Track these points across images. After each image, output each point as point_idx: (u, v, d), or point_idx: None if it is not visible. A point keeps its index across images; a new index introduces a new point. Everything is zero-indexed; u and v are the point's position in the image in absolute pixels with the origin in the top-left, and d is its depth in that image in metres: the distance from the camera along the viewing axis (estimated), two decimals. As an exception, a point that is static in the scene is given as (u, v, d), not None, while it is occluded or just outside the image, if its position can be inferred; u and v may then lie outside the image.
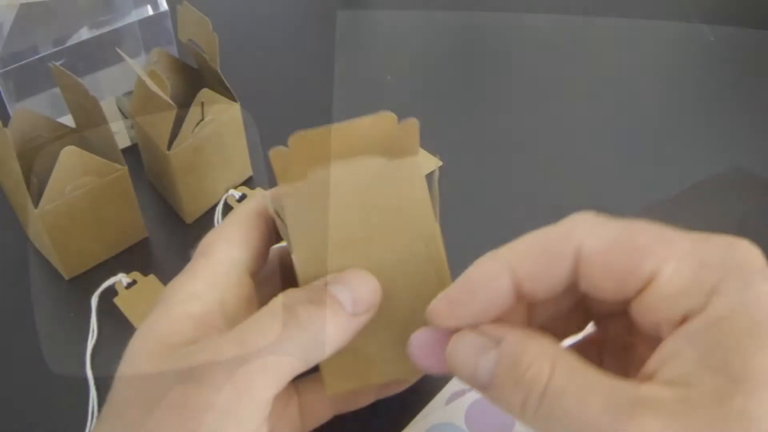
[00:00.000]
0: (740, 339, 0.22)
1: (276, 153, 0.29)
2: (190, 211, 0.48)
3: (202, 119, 0.44)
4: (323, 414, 0.34)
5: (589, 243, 0.25)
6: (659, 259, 0.24)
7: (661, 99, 0.58)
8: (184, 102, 0.44)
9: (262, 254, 0.32)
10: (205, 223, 0.48)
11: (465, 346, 0.26)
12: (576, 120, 0.56)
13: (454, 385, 0.38)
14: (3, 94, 0.47)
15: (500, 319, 0.26)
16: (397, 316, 0.30)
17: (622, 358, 0.28)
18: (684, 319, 0.23)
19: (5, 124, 0.39)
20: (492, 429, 0.36)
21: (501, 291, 0.26)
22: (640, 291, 0.24)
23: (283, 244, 0.33)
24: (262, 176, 0.51)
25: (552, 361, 0.24)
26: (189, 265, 0.30)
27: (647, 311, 0.24)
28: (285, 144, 0.30)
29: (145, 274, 0.45)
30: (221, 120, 0.45)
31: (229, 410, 0.25)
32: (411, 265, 0.30)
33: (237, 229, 0.32)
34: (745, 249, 0.24)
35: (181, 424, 0.25)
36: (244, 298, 0.30)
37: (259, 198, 0.33)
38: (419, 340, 0.27)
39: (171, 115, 0.42)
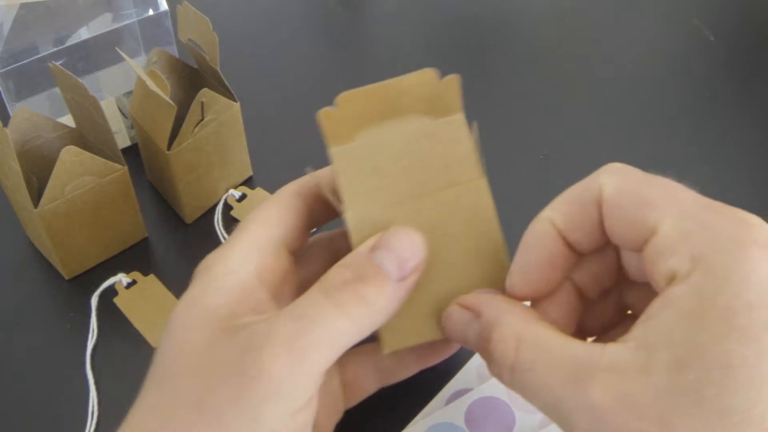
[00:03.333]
0: (708, 318, 0.22)
1: (325, 114, 0.30)
2: (190, 211, 0.48)
3: (202, 119, 0.44)
4: (367, 387, 0.35)
5: (607, 191, 0.26)
6: (663, 213, 0.25)
7: (660, 99, 0.58)
8: (184, 102, 0.44)
9: (301, 232, 0.32)
10: (205, 223, 0.48)
11: (453, 321, 0.29)
12: (575, 120, 0.56)
13: (454, 385, 0.38)
14: (3, 94, 0.47)
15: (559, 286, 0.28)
16: (449, 270, 0.30)
17: None
18: (671, 280, 0.24)
19: (5, 124, 0.39)
20: (492, 429, 0.36)
21: (554, 246, 0.27)
22: (645, 242, 0.25)
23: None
24: (262, 176, 0.51)
25: (517, 338, 0.25)
26: (225, 242, 0.31)
27: (645, 264, 0.25)
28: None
29: (145, 274, 0.45)
30: (221, 120, 0.45)
31: (284, 380, 0.25)
32: (461, 219, 0.31)
33: (274, 209, 0.32)
34: (754, 224, 0.24)
35: (236, 391, 0.25)
36: (282, 271, 0.31)
37: (299, 180, 0.33)
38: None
39: (171, 115, 0.42)
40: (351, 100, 0.30)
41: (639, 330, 0.24)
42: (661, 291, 0.24)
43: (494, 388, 0.38)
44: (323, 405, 0.32)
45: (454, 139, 0.31)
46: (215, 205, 0.49)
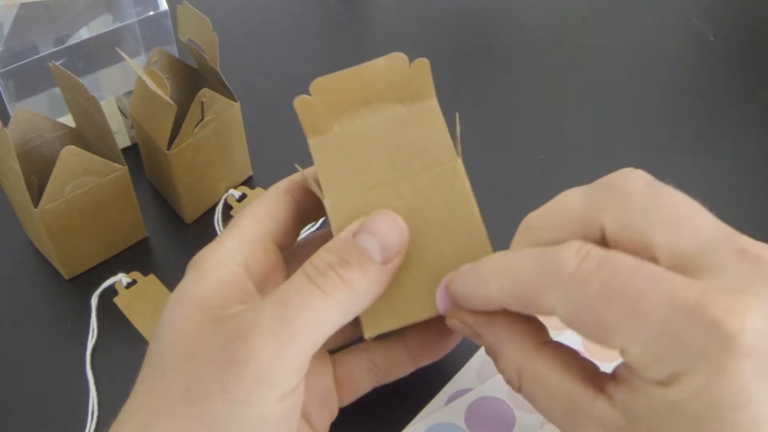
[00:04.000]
0: (682, 421, 0.23)
1: (300, 101, 0.31)
2: (190, 211, 0.48)
3: (202, 119, 0.44)
4: (361, 385, 0.35)
5: (560, 312, 0.25)
6: (627, 339, 0.23)
7: (660, 98, 0.58)
8: (184, 102, 0.44)
9: (290, 227, 0.33)
10: (205, 223, 0.48)
11: (457, 329, 0.30)
12: (575, 120, 0.56)
13: (453, 385, 0.38)
14: (3, 94, 0.47)
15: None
16: (429, 253, 0.31)
17: None
18: (654, 382, 0.23)
19: (5, 124, 0.39)
20: (492, 428, 0.36)
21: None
22: (616, 355, 0.24)
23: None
24: (263, 176, 0.51)
25: (518, 371, 0.27)
26: (217, 237, 0.32)
27: (622, 366, 0.25)
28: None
29: (145, 274, 0.45)
30: (221, 120, 0.45)
31: (271, 366, 0.26)
32: (440, 200, 0.31)
33: (263, 205, 0.32)
34: (730, 334, 0.21)
35: (224, 379, 0.25)
36: (270, 264, 0.31)
37: (290, 177, 0.34)
38: (442, 290, 0.30)
39: (171, 115, 0.42)
40: (325, 86, 0.31)
41: (624, 397, 0.24)
42: (639, 379, 0.24)
43: (494, 387, 0.38)
44: (317, 403, 0.33)
45: (429, 124, 0.32)
46: (215, 205, 0.49)
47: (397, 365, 0.35)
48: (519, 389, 0.28)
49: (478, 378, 0.38)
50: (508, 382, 0.28)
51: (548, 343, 0.28)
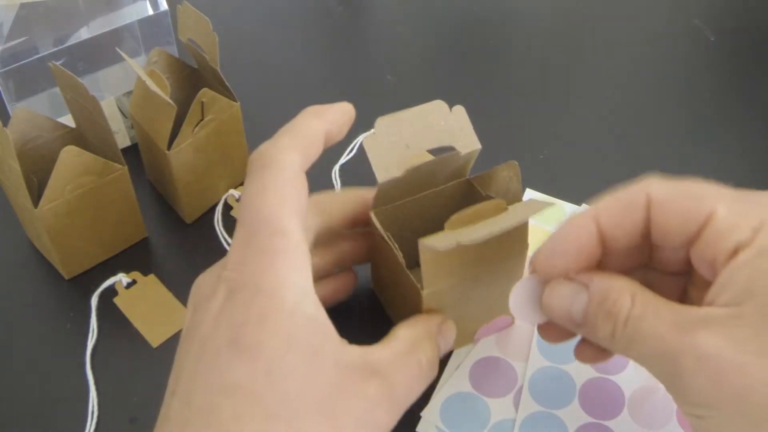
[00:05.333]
0: None
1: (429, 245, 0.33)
2: (190, 211, 0.48)
3: (202, 119, 0.44)
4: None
5: (657, 193, 0.29)
6: (715, 201, 0.28)
7: (660, 98, 0.58)
8: (184, 102, 0.44)
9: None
10: (205, 223, 0.48)
11: (560, 292, 0.31)
12: (575, 119, 0.56)
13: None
14: (3, 94, 0.47)
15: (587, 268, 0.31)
16: (473, 317, 0.38)
17: None
18: (736, 252, 0.27)
19: (5, 124, 0.39)
20: (498, 382, 0.39)
21: (589, 239, 0.30)
22: (700, 230, 0.28)
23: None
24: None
25: (632, 295, 0.29)
26: (273, 253, 0.29)
27: (705, 248, 0.28)
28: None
29: (145, 274, 0.45)
30: (221, 120, 0.45)
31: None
32: (499, 303, 0.37)
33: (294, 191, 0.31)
34: None
35: None
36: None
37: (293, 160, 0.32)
38: (515, 298, 0.33)
39: (171, 115, 0.42)
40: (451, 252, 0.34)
41: (724, 296, 0.27)
42: (724, 264, 0.27)
43: (485, 348, 0.40)
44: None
45: (518, 240, 0.36)
46: (215, 205, 0.49)
47: (361, 258, 0.40)
48: (627, 315, 0.29)
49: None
50: (619, 312, 0.29)
51: None
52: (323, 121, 0.33)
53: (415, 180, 0.36)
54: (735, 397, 0.26)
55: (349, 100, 0.36)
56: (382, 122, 0.35)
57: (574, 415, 0.37)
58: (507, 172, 0.38)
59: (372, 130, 0.35)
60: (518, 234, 0.36)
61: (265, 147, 0.31)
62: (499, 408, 0.37)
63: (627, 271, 0.33)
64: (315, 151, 0.33)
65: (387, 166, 0.35)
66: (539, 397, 0.38)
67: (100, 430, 0.38)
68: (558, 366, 0.39)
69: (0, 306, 0.44)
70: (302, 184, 0.31)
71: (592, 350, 0.34)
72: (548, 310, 0.32)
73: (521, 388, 0.38)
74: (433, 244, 0.32)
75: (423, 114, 0.36)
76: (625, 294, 0.29)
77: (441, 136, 0.36)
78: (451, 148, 0.36)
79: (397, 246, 0.35)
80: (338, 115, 0.34)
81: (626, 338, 0.29)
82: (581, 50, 0.63)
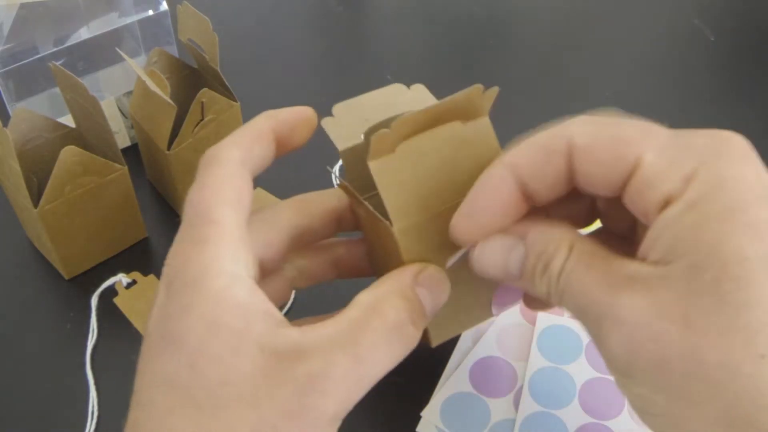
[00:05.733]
0: (712, 221, 0.23)
1: (379, 136, 0.29)
2: (190, 211, 0.48)
3: (202, 119, 0.44)
4: (323, 276, 0.36)
5: (579, 138, 0.26)
6: (642, 147, 0.25)
7: (660, 98, 0.58)
8: (184, 102, 0.44)
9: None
10: (205, 223, 0.48)
11: (494, 247, 0.29)
12: (576, 120, 0.56)
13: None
14: (3, 94, 0.47)
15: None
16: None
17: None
18: (666, 204, 0.24)
19: (5, 124, 0.39)
20: (498, 382, 0.39)
21: (508, 193, 0.28)
22: (627, 179, 0.26)
23: None
24: (263, 176, 0.51)
25: (570, 245, 0.27)
26: (190, 234, 0.29)
27: (635, 198, 0.26)
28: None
29: (145, 274, 0.45)
30: (221, 120, 0.45)
31: (339, 419, 0.26)
32: None
33: (231, 186, 0.30)
34: (728, 137, 0.25)
35: (298, 430, 0.25)
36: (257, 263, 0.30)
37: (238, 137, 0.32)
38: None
39: (171, 115, 0.42)
40: (406, 123, 0.30)
41: (648, 249, 0.25)
42: (654, 215, 0.25)
43: (484, 348, 0.40)
44: (274, 287, 0.33)
45: (484, 140, 0.32)
46: (215, 205, 0.49)
47: (320, 273, 0.37)
48: (562, 265, 0.26)
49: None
50: (555, 263, 0.27)
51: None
52: (271, 120, 0.32)
53: None
54: (652, 368, 0.24)
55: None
56: (340, 106, 0.34)
57: (574, 415, 0.37)
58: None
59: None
60: (486, 144, 0.32)
61: (210, 148, 0.31)
62: (499, 408, 0.38)
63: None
64: (260, 148, 0.32)
65: (346, 137, 0.33)
66: (539, 397, 0.38)
67: (100, 430, 0.38)
68: (558, 366, 0.39)
69: (0, 306, 0.44)
70: (241, 176, 0.30)
71: (539, 301, 0.32)
72: (481, 267, 0.29)
73: (521, 388, 0.38)
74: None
75: (381, 95, 0.35)
76: (563, 244, 0.27)
77: (402, 108, 0.34)
78: None
79: (361, 197, 0.32)
80: (290, 115, 0.32)
81: (559, 292, 0.27)
82: (581, 50, 0.63)
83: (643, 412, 0.26)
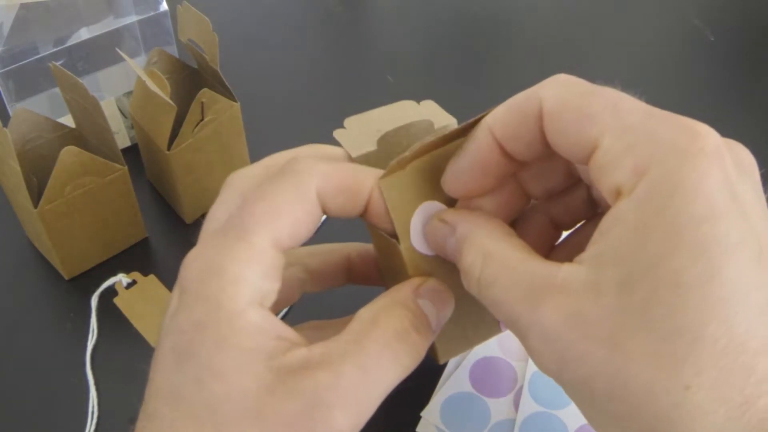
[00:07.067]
0: (655, 233, 0.21)
1: (399, 160, 0.29)
2: (190, 211, 0.48)
3: (202, 119, 0.44)
4: (334, 281, 0.36)
5: (548, 102, 0.25)
6: (604, 127, 0.23)
7: (660, 99, 0.58)
8: (184, 102, 0.44)
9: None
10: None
11: (435, 234, 0.29)
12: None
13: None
14: (3, 94, 0.47)
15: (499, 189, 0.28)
16: None
17: None
18: (618, 195, 0.23)
19: (5, 124, 0.39)
20: (498, 384, 0.39)
21: (490, 152, 0.27)
22: (588, 156, 0.24)
23: None
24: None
25: (484, 254, 0.26)
26: (219, 251, 0.27)
27: (593, 179, 0.24)
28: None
29: (145, 274, 0.45)
30: (221, 120, 0.45)
31: None
32: None
33: (287, 219, 0.28)
34: (698, 133, 0.23)
35: None
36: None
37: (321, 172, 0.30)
38: (415, 224, 0.30)
39: (171, 115, 0.42)
40: (428, 147, 0.30)
41: (591, 248, 0.23)
42: (610, 204, 0.23)
43: (485, 348, 0.40)
44: (285, 286, 0.31)
45: None
46: (215, 205, 0.49)
47: (331, 277, 0.36)
48: (479, 278, 0.26)
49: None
50: (470, 270, 0.26)
51: (515, 236, 0.28)
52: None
53: (391, 156, 0.33)
54: (578, 383, 0.23)
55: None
56: (352, 120, 0.34)
57: (574, 415, 0.37)
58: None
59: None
60: None
61: (300, 158, 0.29)
62: (499, 408, 0.38)
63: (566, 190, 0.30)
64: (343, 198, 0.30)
65: (360, 145, 0.33)
66: (539, 397, 0.38)
67: (100, 430, 0.38)
68: (558, 366, 0.39)
69: (0, 306, 0.44)
70: (305, 208, 0.28)
71: None
72: (432, 246, 0.30)
73: (521, 388, 0.38)
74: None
75: (392, 109, 0.35)
76: (477, 252, 0.26)
77: (413, 119, 0.34)
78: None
79: None
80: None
81: (482, 297, 0.26)
82: (581, 50, 0.63)
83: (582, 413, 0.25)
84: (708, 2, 0.68)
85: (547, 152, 0.26)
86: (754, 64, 0.61)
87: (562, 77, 0.26)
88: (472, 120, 0.29)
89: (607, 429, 0.24)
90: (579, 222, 0.31)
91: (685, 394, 0.21)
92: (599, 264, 0.23)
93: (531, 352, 0.25)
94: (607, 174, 0.23)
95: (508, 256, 0.25)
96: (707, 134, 0.23)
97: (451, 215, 0.29)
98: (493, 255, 0.26)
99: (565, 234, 0.32)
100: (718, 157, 0.22)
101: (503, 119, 0.27)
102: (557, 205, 0.30)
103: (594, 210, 0.30)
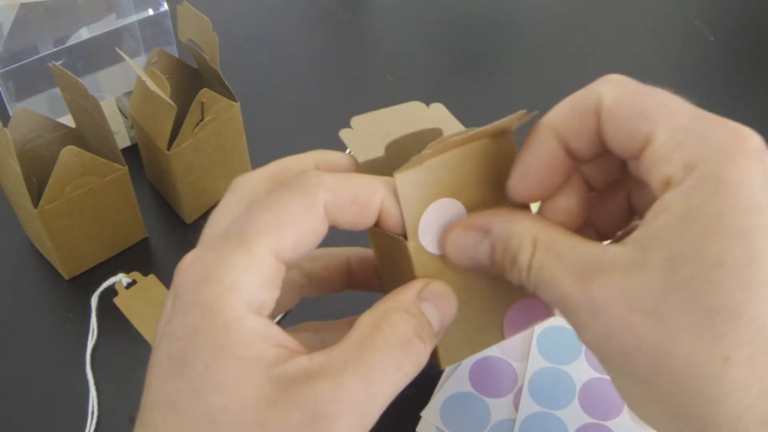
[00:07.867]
0: (701, 219, 0.23)
1: (418, 157, 0.29)
2: (190, 211, 0.48)
3: (202, 119, 0.44)
4: (333, 286, 0.36)
5: (606, 100, 0.27)
6: (657, 124, 0.25)
7: (661, 99, 0.58)
8: (184, 102, 0.44)
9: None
10: (205, 223, 0.48)
11: (458, 243, 0.29)
12: (576, 120, 0.56)
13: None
14: (3, 94, 0.47)
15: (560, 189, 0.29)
16: (498, 284, 0.31)
17: None
18: (667, 187, 0.25)
19: (5, 124, 0.39)
20: (498, 383, 0.39)
21: (553, 152, 0.28)
22: (641, 151, 0.26)
23: None
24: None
25: (533, 240, 0.27)
26: (217, 256, 0.27)
27: (644, 172, 0.26)
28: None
29: (145, 274, 0.45)
30: (221, 120, 0.45)
31: None
32: None
33: (291, 227, 0.28)
34: (743, 134, 0.25)
35: None
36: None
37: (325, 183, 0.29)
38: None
39: (171, 115, 0.42)
40: (446, 145, 0.30)
41: (638, 232, 0.25)
42: (658, 196, 0.25)
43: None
44: (284, 291, 0.30)
45: (504, 156, 0.31)
46: (215, 205, 0.49)
47: (330, 282, 0.36)
48: (529, 263, 0.27)
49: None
50: (521, 259, 0.27)
51: (557, 224, 0.28)
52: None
53: (398, 163, 0.32)
54: (622, 354, 0.25)
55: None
56: (359, 119, 0.34)
57: (574, 415, 0.37)
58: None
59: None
60: (507, 161, 0.31)
61: (311, 171, 0.29)
62: (499, 408, 0.38)
63: (612, 189, 0.30)
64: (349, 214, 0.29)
65: (367, 149, 0.33)
66: (539, 398, 0.38)
67: (100, 430, 0.38)
68: (558, 366, 0.39)
69: (0, 306, 0.44)
70: (312, 221, 0.28)
71: None
72: (454, 257, 0.29)
73: (521, 388, 0.38)
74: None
75: (400, 111, 0.34)
76: (526, 239, 0.27)
77: (422, 125, 0.34)
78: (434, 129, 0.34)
79: None
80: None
81: (532, 285, 0.27)
82: (581, 50, 0.63)
83: (617, 390, 0.27)
84: (708, 2, 0.68)
85: (599, 150, 0.28)
86: (754, 64, 0.61)
87: (615, 77, 0.28)
88: (497, 123, 0.29)
89: (643, 404, 0.25)
90: (615, 230, 0.31)
91: (722, 367, 0.23)
92: (646, 245, 0.24)
93: (578, 327, 0.26)
94: (658, 167, 0.25)
95: (558, 240, 0.27)
96: (750, 136, 0.25)
97: (475, 221, 0.29)
98: (544, 241, 0.27)
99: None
100: (759, 157, 0.24)
101: (564, 116, 0.28)
102: (595, 211, 0.31)
103: (630, 218, 0.31)
